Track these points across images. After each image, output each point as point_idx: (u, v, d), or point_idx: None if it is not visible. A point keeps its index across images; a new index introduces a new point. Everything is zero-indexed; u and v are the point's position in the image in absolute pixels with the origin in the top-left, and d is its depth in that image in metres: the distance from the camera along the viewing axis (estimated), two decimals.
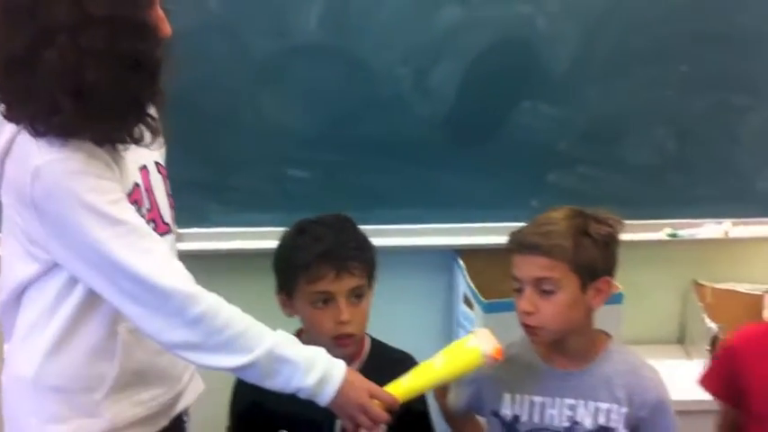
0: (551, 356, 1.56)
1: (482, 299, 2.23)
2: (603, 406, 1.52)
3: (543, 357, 1.57)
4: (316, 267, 1.59)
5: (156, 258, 1.33)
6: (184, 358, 1.37)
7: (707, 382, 1.69)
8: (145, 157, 1.46)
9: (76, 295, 1.39)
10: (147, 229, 1.38)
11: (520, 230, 1.55)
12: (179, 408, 1.56)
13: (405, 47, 2.36)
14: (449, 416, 1.73)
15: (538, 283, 1.49)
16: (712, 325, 2.33)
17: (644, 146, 2.45)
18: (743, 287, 2.47)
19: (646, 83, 2.40)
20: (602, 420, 1.51)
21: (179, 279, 1.34)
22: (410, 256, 2.51)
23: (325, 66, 2.37)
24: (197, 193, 2.41)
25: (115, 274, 1.30)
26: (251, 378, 1.37)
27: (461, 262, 2.42)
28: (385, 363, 1.63)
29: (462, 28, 2.35)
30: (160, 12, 1.38)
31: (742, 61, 2.41)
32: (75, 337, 1.40)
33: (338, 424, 1.59)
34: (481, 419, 1.69)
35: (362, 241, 1.72)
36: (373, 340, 1.74)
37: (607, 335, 1.60)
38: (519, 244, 1.52)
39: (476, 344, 1.48)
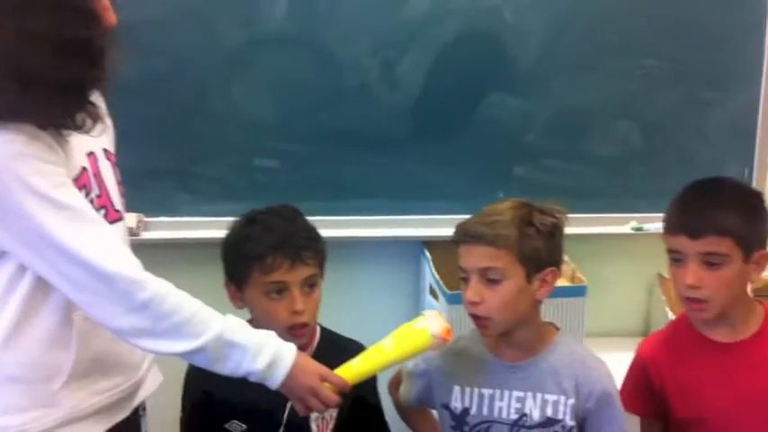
0: (499, 349, 1.56)
1: (446, 290, 2.23)
2: (551, 398, 1.52)
3: (491, 350, 1.57)
4: (270, 258, 1.59)
5: (102, 243, 1.32)
6: (134, 344, 1.35)
7: (627, 402, 1.63)
8: (92, 143, 1.44)
9: (27, 282, 1.36)
10: (93, 213, 1.36)
11: (465, 221, 1.55)
12: (138, 398, 1.55)
13: (373, 38, 2.35)
14: (402, 409, 1.73)
15: (483, 272, 1.49)
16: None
17: (610, 139, 2.46)
18: None
19: (612, 76, 2.41)
20: (549, 412, 1.52)
21: (125, 264, 1.32)
22: (377, 246, 2.51)
23: (294, 56, 2.36)
24: (165, 182, 2.40)
25: (60, 260, 1.29)
26: (200, 362, 1.37)
27: (428, 253, 2.41)
28: (336, 351, 1.62)
29: (430, 19, 2.34)
30: (105, 1, 1.38)
31: (708, 55, 2.41)
32: (29, 325, 1.38)
33: (288, 408, 1.59)
34: (434, 412, 1.69)
35: (313, 231, 1.71)
36: (323, 329, 1.74)
37: (555, 327, 1.60)
38: (464, 234, 1.52)
39: (425, 325, 1.49)
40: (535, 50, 2.38)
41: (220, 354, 1.35)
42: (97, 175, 1.46)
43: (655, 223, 2.43)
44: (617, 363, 2.28)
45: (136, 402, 1.53)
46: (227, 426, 1.64)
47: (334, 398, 1.43)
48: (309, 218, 2.40)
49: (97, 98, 1.40)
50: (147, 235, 2.39)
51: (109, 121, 1.51)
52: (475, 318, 1.52)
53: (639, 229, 2.45)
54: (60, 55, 1.26)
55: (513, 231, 1.49)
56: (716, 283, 1.52)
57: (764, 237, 1.59)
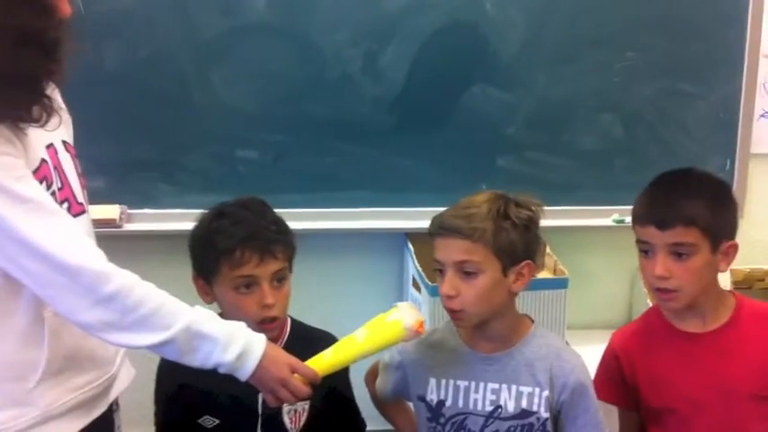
0: (475, 341, 1.55)
1: (428, 282, 2.23)
2: (525, 389, 1.52)
3: (467, 341, 1.56)
4: (239, 252, 1.57)
5: (65, 236, 1.28)
6: (102, 338, 1.33)
7: (600, 391, 1.62)
8: (51, 135, 1.41)
9: None
10: (55, 205, 1.33)
11: (441, 214, 1.53)
12: (113, 393, 1.52)
13: (355, 28, 2.35)
14: (378, 402, 1.72)
15: (459, 266, 1.47)
16: None
17: (592, 132, 2.46)
18: None
19: (594, 69, 2.41)
20: (524, 404, 1.51)
21: (89, 257, 1.29)
22: (360, 238, 2.51)
23: (275, 46, 2.35)
24: (147, 173, 2.40)
25: (21, 254, 1.26)
26: (170, 355, 1.35)
27: (410, 245, 2.41)
28: (306, 342, 1.60)
29: (412, 11, 2.34)
30: None
31: (689, 48, 2.42)
32: (1, 325, 1.35)
33: (260, 399, 1.57)
34: (410, 405, 1.68)
35: (282, 224, 1.69)
36: (293, 321, 1.72)
37: (530, 319, 1.59)
38: (440, 227, 1.50)
39: (398, 317, 1.48)
40: (517, 43, 2.38)
41: (189, 346, 1.33)
42: (58, 167, 1.41)
43: None
44: (599, 355, 2.30)
45: (111, 397, 1.52)
46: (200, 421, 1.62)
47: (305, 389, 1.41)
48: (291, 210, 2.42)
49: (53, 91, 1.36)
50: (129, 227, 2.39)
51: (66, 114, 1.47)
52: (450, 310, 1.51)
53: (621, 221, 2.44)
54: (13, 47, 1.23)
55: (490, 225, 1.47)
56: (684, 273, 1.52)
57: (733, 227, 1.59)
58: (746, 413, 1.57)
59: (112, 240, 2.28)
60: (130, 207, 2.40)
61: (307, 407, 1.65)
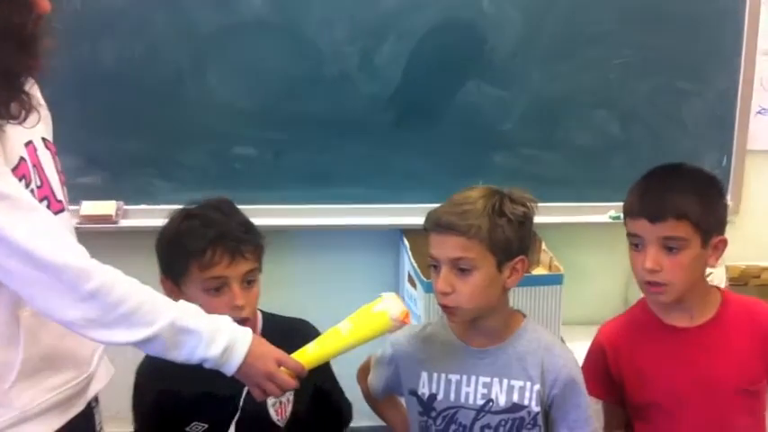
0: (467, 335, 1.56)
1: (424, 278, 2.25)
2: (517, 383, 1.53)
3: (459, 336, 1.57)
4: (210, 253, 1.56)
5: (45, 233, 1.27)
6: (85, 336, 1.31)
7: (589, 386, 1.61)
8: (29, 132, 1.39)
9: None
10: (34, 202, 1.31)
11: (436, 210, 1.53)
12: (91, 392, 1.51)
13: (351, 25, 2.36)
14: (370, 399, 1.73)
15: (454, 262, 1.48)
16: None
17: (588, 128, 2.48)
18: None
19: (590, 65, 2.43)
20: (515, 398, 1.52)
21: (70, 253, 1.28)
22: (356, 235, 2.53)
23: (272, 43, 2.37)
24: (143, 169, 2.42)
25: (1, 252, 1.24)
26: (154, 351, 1.34)
27: (406, 241, 2.43)
28: (281, 333, 1.59)
29: (408, 8, 2.36)
30: None
31: (685, 45, 2.43)
32: None
33: (245, 394, 1.59)
34: (402, 400, 1.69)
35: (250, 225, 1.68)
36: (264, 314, 1.72)
37: (522, 314, 1.60)
38: (435, 224, 1.50)
39: (383, 308, 1.48)
40: (513, 39, 2.39)
41: (174, 341, 1.32)
42: (37, 165, 1.39)
43: None
44: None
45: (89, 396, 1.50)
46: (187, 429, 1.62)
47: (292, 382, 1.41)
48: (287, 206, 2.47)
49: (32, 87, 1.35)
50: (125, 223, 2.41)
51: (45, 111, 1.46)
52: (445, 307, 1.51)
53: (617, 218, 2.44)
54: None
55: (485, 221, 1.47)
56: (674, 266, 1.53)
57: (722, 223, 1.61)
58: (732, 407, 1.59)
59: (108, 236, 2.34)
60: (127, 203, 2.42)
61: (291, 397, 1.66)
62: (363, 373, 1.72)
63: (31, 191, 1.35)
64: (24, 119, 1.31)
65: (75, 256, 1.29)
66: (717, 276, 2.37)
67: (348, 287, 2.53)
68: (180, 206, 1.68)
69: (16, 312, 1.34)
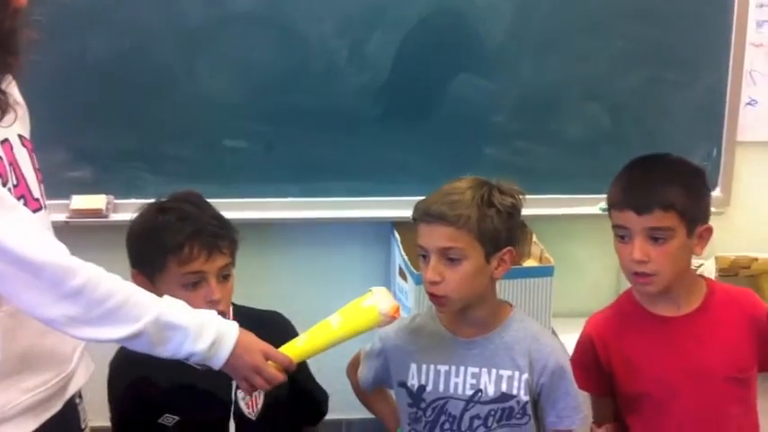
0: (455, 326, 1.58)
1: (414, 271, 2.28)
2: (505, 373, 1.55)
3: (448, 327, 1.59)
4: (188, 248, 1.57)
5: (25, 230, 1.26)
6: (67, 333, 1.30)
7: (578, 379, 1.65)
8: (5, 130, 1.36)
9: None
10: (12, 200, 1.30)
11: (425, 200, 1.56)
12: (70, 390, 1.50)
13: (340, 17, 2.37)
14: (360, 392, 1.76)
15: (443, 252, 1.51)
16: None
17: (578, 120, 2.50)
18: None
19: (580, 57, 2.44)
20: (503, 387, 1.55)
21: (51, 251, 1.27)
22: (347, 228, 2.55)
23: (261, 35, 2.38)
24: (133, 163, 2.43)
25: None
26: (140, 347, 1.33)
27: (397, 234, 2.44)
28: (253, 325, 1.57)
29: (398, 0, 2.37)
30: None
31: (675, 37, 2.45)
32: None
33: (239, 396, 1.62)
34: (391, 393, 1.72)
35: (224, 219, 1.69)
36: (235, 306, 1.73)
37: (510, 305, 1.63)
38: (425, 213, 1.53)
39: (373, 302, 1.50)
40: (503, 31, 2.41)
41: (160, 337, 1.32)
42: (13, 163, 1.37)
43: None
44: None
45: (67, 395, 1.49)
46: (160, 420, 1.63)
47: (279, 375, 1.43)
48: (277, 199, 2.48)
49: (8, 85, 1.33)
50: (115, 217, 2.42)
51: (22, 109, 1.43)
52: (433, 296, 1.54)
53: (607, 209, 2.50)
54: None
55: (474, 212, 1.50)
56: (662, 257, 1.56)
57: (707, 212, 1.63)
58: (722, 396, 1.62)
59: (99, 230, 2.36)
60: (117, 197, 2.43)
61: (263, 391, 1.65)
62: (353, 367, 1.74)
63: (8, 190, 1.33)
64: (0, 118, 1.30)
65: (57, 254, 1.28)
66: (707, 268, 2.41)
67: (339, 280, 2.57)
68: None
69: None
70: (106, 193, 2.43)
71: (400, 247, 2.41)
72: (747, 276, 2.45)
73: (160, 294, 1.47)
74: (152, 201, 1.72)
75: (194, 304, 1.51)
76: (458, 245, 1.51)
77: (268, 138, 2.45)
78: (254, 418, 1.67)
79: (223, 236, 1.63)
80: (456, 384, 1.58)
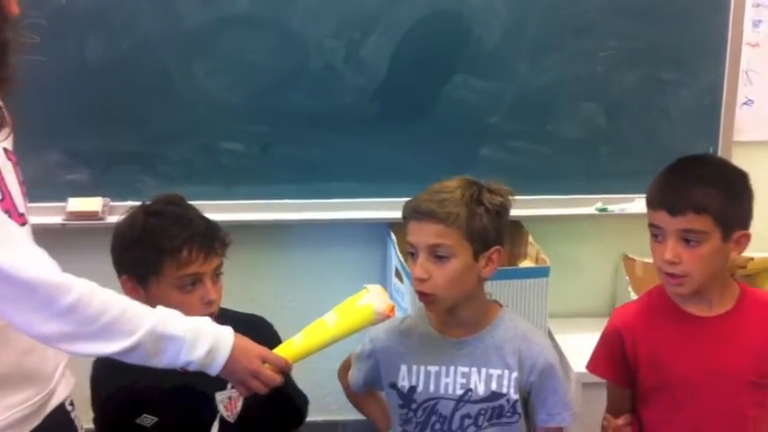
0: (445, 326, 1.61)
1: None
2: (495, 372, 1.59)
3: (437, 327, 1.62)
4: (186, 251, 1.60)
5: (16, 248, 1.26)
6: (62, 349, 1.32)
7: (598, 367, 1.72)
8: None
9: None
10: (2, 216, 1.29)
11: (414, 198, 1.60)
12: (51, 406, 1.48)
13: (337, 18, 2.41)
14: (351, 395, 1.79)
15: (432, 249, 1.54)
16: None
17: (575, 120, 2.52)
18: None
19: (576, 57, 2.47)
20: (493, 386, 1.58)
21: (43, 269, 1.27)
22: (344, 229, 2.58)
23: (258, 37, 2.42)
24: (129, 165, 2.47)
25: None
26: (136, 359, 1.34)
27: (393, 235, 2.48)
28: (235, 328, 1.57)
29: (394, 0, 2.40)
30: None
31: (671, 35, 2.48)
32: None
33: (218, 399, 1.65)
34: (382, 395, 1.74)
35: (210, 220, 1.72)
36: (219, 309, 1.73)
37: (499, 304, 1.67)
38: (414, 211, 1.57)
39: (368, 301, 1.52)
40: (499, 31, 2.44)
41: (156, 348, 1.33)
42: None
43: (620, 204, 2.54)
44: (582, 343, 2.38)
45: (46, 412, 1.46)
46: (138, 421, 1.66)
47: (276, 378, 1.45)
48: (274, 201, 2.51)
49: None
50: (112, 219, 2.45)
51: (6, 120, 1.40)
52: (421, 294, 1.57)
53: (604, 210, 2.52)
54: None
55: (463, 210, 1.54)
56: (693, 259, 1.55)
57: (746, 217, 1.61)
58: (742, 399, 1.62)
59: (95, 233, 2.39)
60: (113, 199, 2.46)
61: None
62: (344, 370, 1.78)
63: None
64: None
65: (50, 271, 1.28)
66: None
67: (336, 281, 2.59)
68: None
69: None
70: (103, 196, 2.46)
71: (396, 248, 2.45)
72: (744, 276, 2.47)
73: (152, 297, 1.49)
74: (136, 205, 1.74)
75: (192, 305, 1.58)
76: (446, 242, 1.54)
77: (264, 139, 2.49)
78: (232, 421, 1.70)
79: (216, 237, 1.67)
80: (446, 384, 1.61)
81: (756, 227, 2.62)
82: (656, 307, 1.70)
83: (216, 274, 1.67)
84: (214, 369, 1.40)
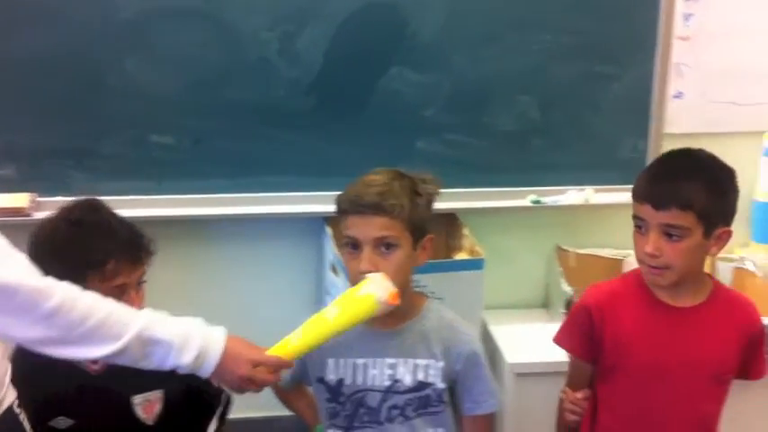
0: (373, 318, 1.59)
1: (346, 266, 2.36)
2: (422, 362, 1.63)
3: None
4: (113, 264, 1.60)
5: None
6: (47, 352, 1.31)
7: (563, 339, 1.79)
8: None
9: None
10: None
11: (350, 192, 1.62)
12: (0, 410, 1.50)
13: (271, 10, 2.41)
14: (279, 391, 1.81)
15: (378, 242, 1.57)
16: (568, 288, 2.48)
17: (509, 113, 2.57)
18: (604, 252, 2.64)
19: (511, 50, 2.52)
20: (420, 376, 1.62)
21: (23, 273, 1.28)
22: (279, 223, 2.59)
23: (192, 28, 2.41)
24: (58, 159, 2.45)
25: None
26: (124, 362, 1.35)
27: (329, 229, 2.49)
28: None
29: None
30: None
31: (604, 30, 2.54)
32: None
33: (135, 402, 1.67)
34: (310, 389, 1.78)
35: (134, 226, 1.72)
36: None
37: (425, 295, 1.72)
38: (357, 204, 1.59)
39: (370, 291, 1.50)
40: (435, 24, 2.47)
41: (143, 352, 1.34)
42: None
43: (553, 196, 2.61)
44: (517, 332, 2.46)
45: None
46: (51, 423, 1.66)
47: (269, 378, 1.46)
48: (208, 195, 2.51)
49: None
50: (40, 215, 2.44)
51: None
52: None
53: (538, 202, 2.58)
54: None
55: (406, 201, 1.59)
56: (674, 253, 1.59)
57: (729, 214, 1.65)
58: (702, 392, 1.69)
59: (21, 230, 2.31)
60: (41, 195, 2.43)
61: (160, 395, 1.71)
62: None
63: None
64: None
65: (29, 275, 1.29)
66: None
67: (271, 276, 2.64)
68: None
69: None
70: (30, 191, 2.43)
71: (332, 242, 2.48)
72: None
73: None
74: (50, 214, 1.70)
75: None
76: (392, 233, 1.58)
77: (197, 133, 2.48)
78: (150, 423, 1.71)
79: (142, 246, 1.67)
80: (374, 376, 1.65)
81: None
82: (630, 290, 1.75)
83: (139, 283, 1.67)
84: (204, 372, 1.41)
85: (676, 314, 1.69)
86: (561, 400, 1.80)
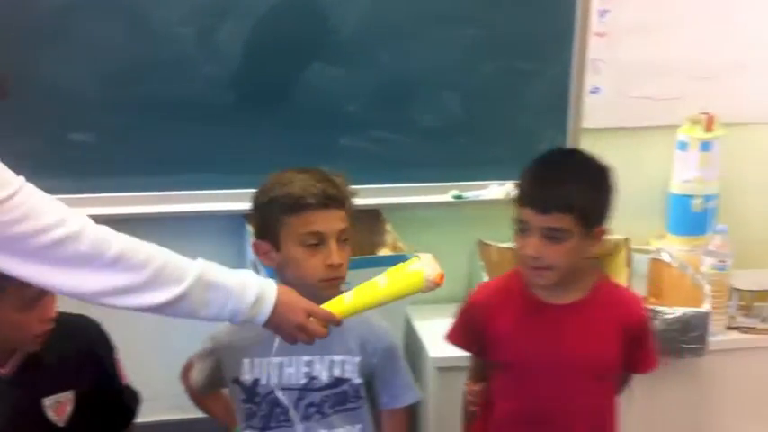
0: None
1: (265, 265, 2.39)
2: (338, 358, 1.67)
3: None
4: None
5: (43, 205, 1.28)
6: (109, 303, 1.31)
7: (452, 336, 1.89)
8: None
9: None
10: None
11: (308, 188, 1.64)
12: None
13: (190, 5, 2.42)
14: (195, 395, 1.83)
15: (339, 235, 1.64)
16: None
17: (432, 109, 2.62)
18: None
19: (434, 46, 2.56)
20: (337, 372, 1.66)
21: (82, 220, 1.29)
22: (199, 221, 2.58)
23: (109, 23, 2.40)
24: None
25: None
26: (182, 311, 1.34)
27: (249, 227, 2.54)
28: (59, 328, 1.65)
29: None
30: None
31: (523, 27, 2.60)
32: None
33: (46, 404, 1.66)
34: (225, 392, 1.80)
35: None
36: None
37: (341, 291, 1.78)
38: (325, 198, 1.63)
39: (420, 267, 1.56)
40: (357, 18, 2.50)
41: (204, 297, 1.34)
42: None
43: (475, 191, 2.68)
44: (439, 328, 2.50)
45: None
46: None
47: (322, 331, 1.47)
48: (124, 194, 2.49)
49: None
50: None
51: None
52: (335, 279, 1.65)
53: (460, 197, 2.63)
54: None
55: (349, 193, 1.69)
56: (555, 254, 1.66)
57: (606, 212, 1.72)
58: (583, 387, 1.76)
59: None
60: None
61: (72, 396, 1.71)
62: (186, 372, 1.81)
63: None
64: None
65: (85, 222, 1.30)
66: None
67: None
68: None
69: None
70: None
71: (252, 239, 2.50)
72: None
73: None
74: None
75: (32, 325, 1.58)
76: (347, 226, 1.67)
77: (115, 130, 2.47)
78: (62, 425, 1.71)
79: None
80: (290, 374, 1.67)
81: None
82: (510, 287, 1.82)
83: None
84: (260, 320, 1.42)
85: (551, 311, 1.76)
86: (464, 393, 1.90)
